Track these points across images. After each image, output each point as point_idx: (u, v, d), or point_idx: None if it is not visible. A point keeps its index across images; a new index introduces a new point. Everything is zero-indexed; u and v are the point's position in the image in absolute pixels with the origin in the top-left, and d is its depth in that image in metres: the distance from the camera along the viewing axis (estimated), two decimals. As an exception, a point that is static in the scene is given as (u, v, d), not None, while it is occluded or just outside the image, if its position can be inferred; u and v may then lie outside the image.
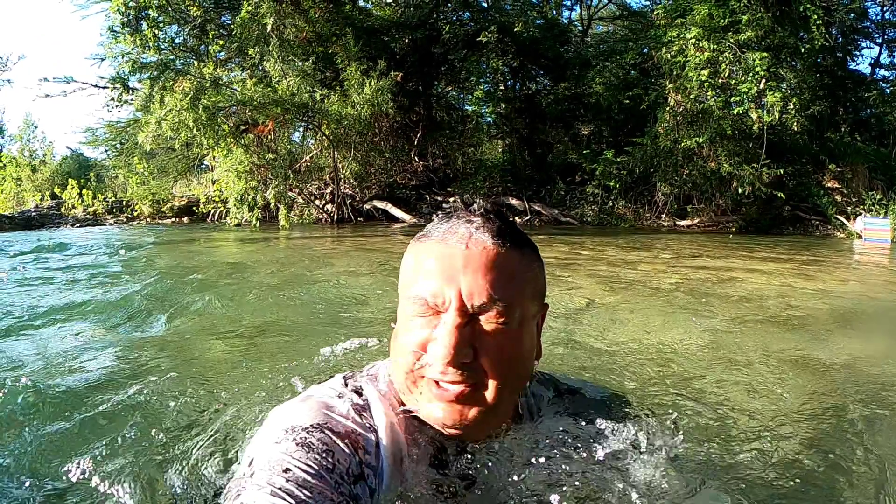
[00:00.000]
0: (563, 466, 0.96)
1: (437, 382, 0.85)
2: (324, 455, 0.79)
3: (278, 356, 2.37)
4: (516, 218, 13.37)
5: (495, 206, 0.94)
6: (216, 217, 14.65)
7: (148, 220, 15.35)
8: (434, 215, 0.96)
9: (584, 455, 0.98)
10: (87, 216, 15.74)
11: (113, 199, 16.73)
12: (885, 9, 18.06)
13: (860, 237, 11.16)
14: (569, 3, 18.23)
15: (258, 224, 11.92)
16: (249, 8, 12.40)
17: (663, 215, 13.22)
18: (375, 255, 6.88)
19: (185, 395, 1.91)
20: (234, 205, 12.20)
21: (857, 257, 7.93)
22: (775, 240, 10.34)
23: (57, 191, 18.09)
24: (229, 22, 14.30)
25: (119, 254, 7.12)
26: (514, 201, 13.83)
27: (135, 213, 15.65)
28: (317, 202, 14.04)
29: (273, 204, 12.26)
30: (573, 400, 1.13)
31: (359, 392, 0.94)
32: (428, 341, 0.85)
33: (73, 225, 14.61)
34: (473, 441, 0.93)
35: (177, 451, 1.46)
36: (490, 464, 0.93)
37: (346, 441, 0.83)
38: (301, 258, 6.87)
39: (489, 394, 0.86)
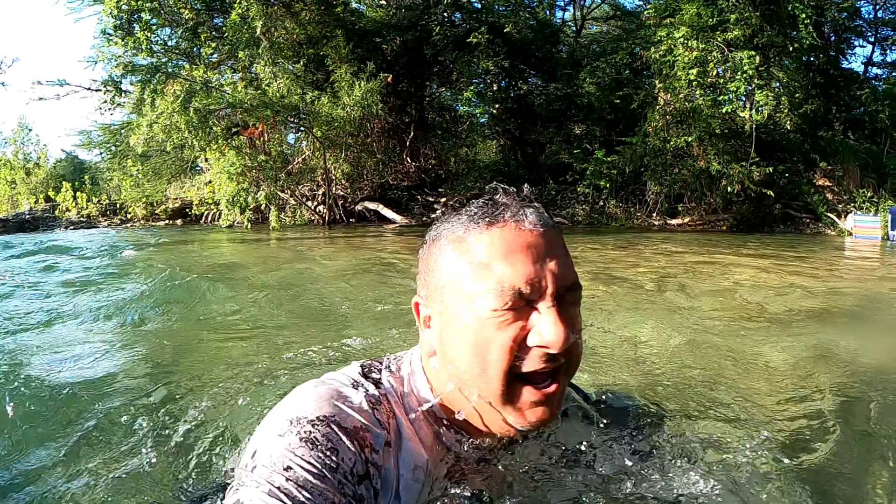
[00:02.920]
0: (583, 478, 0.93)
1: (532, 385, 0.82)
2: (328, 453, 0.76)
3: (269, 354, 2.40)
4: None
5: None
6: (209, 219, 14.68)
7: (142, 222, 15.39)
8: (463, 207, 0.89)
9: (604, 467, 0.96)
10: (81, 219, 15.78)
11: (107, 201, 16.76)
12: (877, 7, 18.08)
13: (850, 235, 11.16)
14: (562, 4, 18.27)
15: (249, 225, 11.98)
16: (239, 11, 12.44)
17: (654, 214, 13.23)
18: (366, 256, 6.89)
19: (179, 390, 1.96)
20: (226, 206, 12.25)
21: (848, 254, 7.94)
22: (766, 238, 10.34)
23: (51, 194, 18.13)
24: (221, 24, 14.31)
25: (112, 256, 7.13)
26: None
27: (128, 216, 15.67)
28: (309, 203, 14.07)
29: (265, 205, 12.31)
30: (599, 409, 1.10)
31: (377, 384, 0.91)
32: (525, 334, 0.80)
33: (66, 227, 14.65)
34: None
35: (176, 443, 1.49)
36: (508, 470, 0.90)
37: (353, 438, 0.80)
38: (290, 259, 6.90)
39: (567, 379, 0.85)
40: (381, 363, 0.97)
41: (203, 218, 14.98)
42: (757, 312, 3.44)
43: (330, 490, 0.73)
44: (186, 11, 14.40)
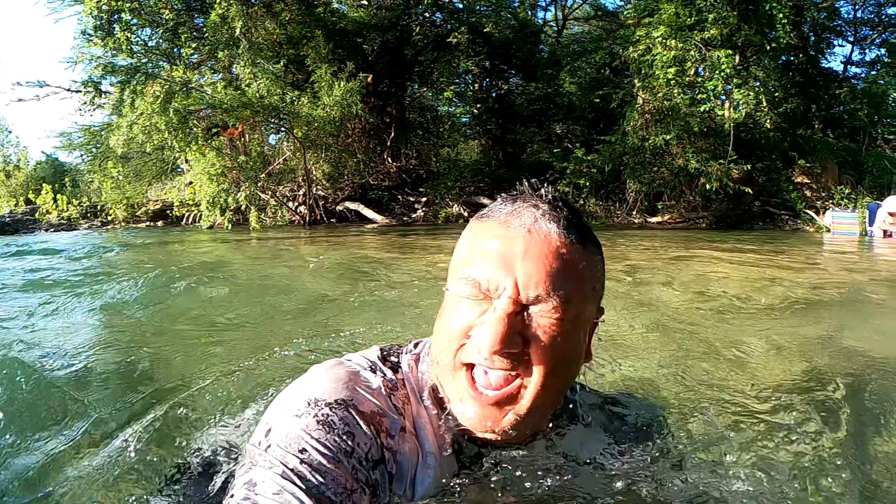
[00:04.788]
0: (586, 485, 0.91)
1: (473, 381, 0.81)
2: (344, 437, 0.76)
3: (255, 352, 2.38)
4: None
5: (561, 196, 0.88)
6: (190, 220, 14.61)
7: (122, 224, 15.26)
8: (498, 196, 0.90)
9: (611, 477, 0.94)
10: (62, 221, 15.63)
11: (87, 203, 16.62)
12: (856, 7, 18.29)
13: (829, 231, 11.25)
14: (543, 4, 18.35)
15: (230, 226, 11.93)
16: (219, 11, 12.41)
17: (634, 212, 13.29)
18: (347, 255, 6.87)
19: (166, 386, 1.97)
20: (207, 207, 12.19)
21: (827, 249, 8.01)
22: (746, 235, 10.40)
23: (31, 196, 17.98)
24: (202, 24, 14.26)
25: (94, 257, 7.07)
26: (485, 200, 13.87)
27: (109, 218, 15.56)
28: (290, 204, 14.03)
29: (245, 206, 12.27)
30: (616, 415, 1.09)
31: (395, 369, 0.91)
32: (474, 326, 0.80)
33: (46, 230, 14.50)
34: (514, 442, 0.88)
35: (166, 433, 1.50)
36: (505, 473, 0.88)
37: (370, 423, 0.79)
38: (272, 259, 6.86)
39: (529, 391, 0.80)
40: (401, 347, 0.97)
41: (183, 219, 14.90)
42: (740, 306, 3.47)
43: (343, 475, 0.73)
44: (167, 11, 14.34)
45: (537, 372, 0.79)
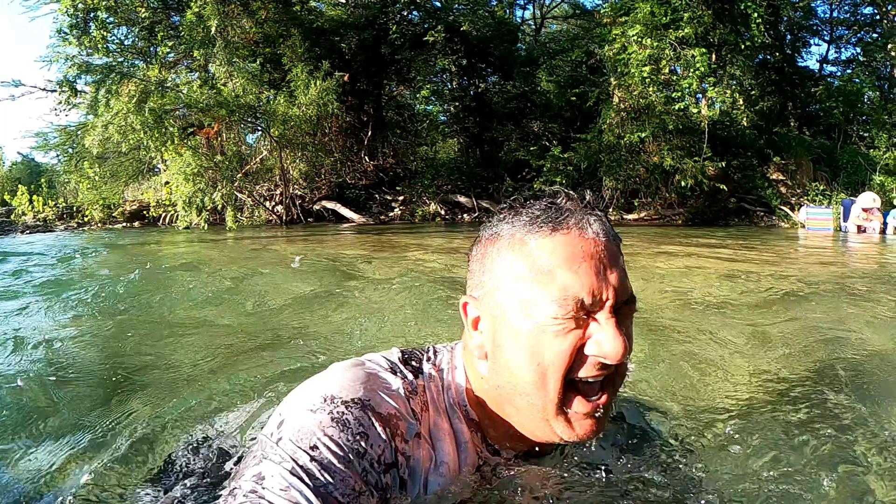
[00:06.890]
0: (598, 492, 0.92)
1: (583, 396, 0.81)
2: (357, 437, 0.75)
3: (234, 352, 2.41)
4: (464, 216, 13.46)
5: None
6: (167, 220, 14.51)
7: (99, 225, 15.12)
8: (533, 204, 0.87)
9: (619, 483, 0.94)
10: (38, 223, 15.47)
11: (64, 204, 16.46)
12: (832, 7, 18.51)
13: (803, 227, 11.35)
14: (522, 2, 18.41)
15: (206, 226, 11.86)
16: (195, 9, 12.34)
17: (610, 210, 13.34)
18: (325, 254, 6.82)
19: (151, 384, 2.00)
20: (183, 208, 12.11)
21: (801, 244, 8.06)
22: (721, 231, 10.48)
23: (7, 197, 17.77)
24: (178, 23, 14.18)
25: (67, 260, 6.99)
26: (462, 199, 13.89)
27: (85, 219, 15.41)
28: (266, 203, 13.97)
29: (221, 206, 12.21)
30: (620, 420, 1.09)
31: (416, 373, 0.90)
32: (583, 343, 0.79)
33: (22, 232, 14.35)
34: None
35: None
36: (522, 485, 0.89)
37: (386, 425, 0.79)
38: (249, 258, 6.79)
39: (619, 386, 0.85)
40: (421, 352, 0.96)
41: (160, 220, 14.80)
42: (722, 300, 3.46)
43: (352, 476, 0.73)
44: (143, 10, 14.23)
45: (622, 370, 0.83)
